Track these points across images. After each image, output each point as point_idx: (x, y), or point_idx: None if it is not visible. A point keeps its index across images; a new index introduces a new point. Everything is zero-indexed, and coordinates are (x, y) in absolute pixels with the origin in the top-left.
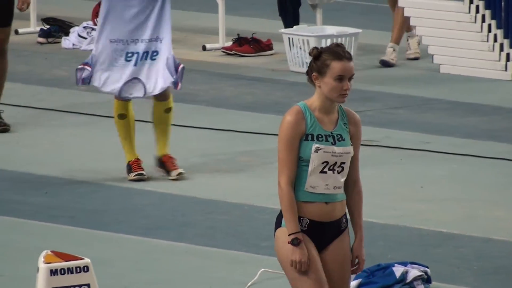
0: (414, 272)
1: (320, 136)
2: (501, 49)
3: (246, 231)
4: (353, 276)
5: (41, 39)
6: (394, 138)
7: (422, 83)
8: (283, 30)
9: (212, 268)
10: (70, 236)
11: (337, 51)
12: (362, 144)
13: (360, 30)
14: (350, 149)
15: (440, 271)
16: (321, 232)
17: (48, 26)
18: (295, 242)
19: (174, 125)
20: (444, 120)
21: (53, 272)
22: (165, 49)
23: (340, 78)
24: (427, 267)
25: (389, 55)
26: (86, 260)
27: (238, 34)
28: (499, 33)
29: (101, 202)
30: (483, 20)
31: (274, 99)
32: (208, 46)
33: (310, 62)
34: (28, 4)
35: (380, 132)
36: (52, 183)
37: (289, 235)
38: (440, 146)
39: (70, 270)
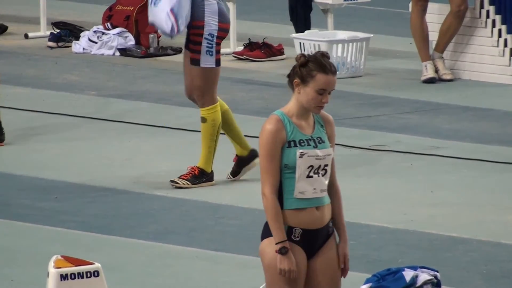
0: (424, 276)
1: (301, 141)
2: None
3: (257, 236)
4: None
5: (51, 43)
6: (404, 143)
7: (433, 88)
8: (294, 35)
9: (223, 273)
10: (80, 241)
11: (324, 64)
12: (373, 149)
13: (371, 35)
14: (330, 150)
15: (449, 275)
16: (313, 239)
17: (58, 30)
18: (283, 251)
19: (183, 129)
20: (454, 125)
21: (63, 277)
22: None
23: (322, 91)
24: (437, 271)
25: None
26: (96, 265)
27: (249, 39)
28: (510, 38)
29: (111, 207)
30: (494, 25)
31: (285, 104)
32: None
33: (295, 67)
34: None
35: (391, 137)
36: (62, 188)
37: (276, 243)
38: (451, 151)
39: (80, 275)
